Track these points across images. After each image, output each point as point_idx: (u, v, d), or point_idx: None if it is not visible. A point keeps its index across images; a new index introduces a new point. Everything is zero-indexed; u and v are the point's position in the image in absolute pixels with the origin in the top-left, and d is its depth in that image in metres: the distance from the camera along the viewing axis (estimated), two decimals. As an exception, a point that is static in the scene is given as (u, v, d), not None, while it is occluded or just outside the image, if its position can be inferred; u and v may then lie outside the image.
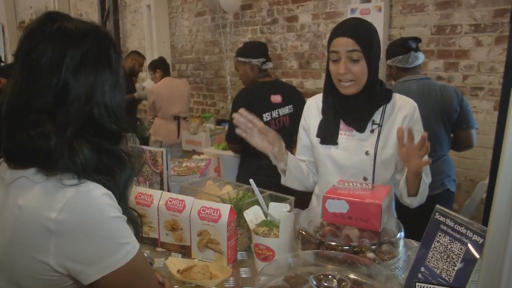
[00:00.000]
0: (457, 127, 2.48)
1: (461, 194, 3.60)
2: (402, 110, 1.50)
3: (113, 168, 0.81)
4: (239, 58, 2.72)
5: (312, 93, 4.47)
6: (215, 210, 1.21)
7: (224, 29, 5.04)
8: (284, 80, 4.60)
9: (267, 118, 2.52)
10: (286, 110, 2.60)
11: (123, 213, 0.84)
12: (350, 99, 1.49)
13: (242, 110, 1.44)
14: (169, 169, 1.61)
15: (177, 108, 4.31)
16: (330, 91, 1.54)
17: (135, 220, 0.90)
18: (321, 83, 4.26)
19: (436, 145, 2.42)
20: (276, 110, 2.56)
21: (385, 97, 1.52)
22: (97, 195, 0.75)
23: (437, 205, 1.02)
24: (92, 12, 7.50)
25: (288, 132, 2.66)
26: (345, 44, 1.39)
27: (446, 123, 2.42)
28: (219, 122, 5.00)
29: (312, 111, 1.63)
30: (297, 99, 2.73)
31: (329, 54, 1.45)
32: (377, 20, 3.52)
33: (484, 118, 3.32)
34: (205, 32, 5.40)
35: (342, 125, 1.54)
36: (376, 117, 1.50)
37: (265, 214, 1.23)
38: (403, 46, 2.52)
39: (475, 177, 3.44)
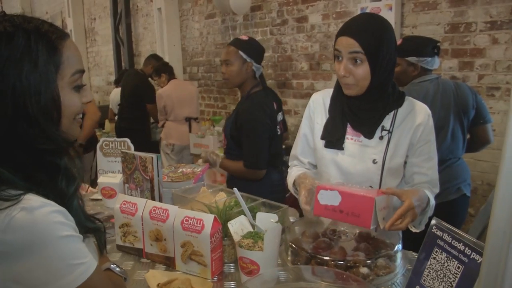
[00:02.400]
0: (475, 123, 2.36)
1: (477, 198, 3.45)
2: (415, 117, 1.39)
3: (55, 181, 0.76)
4: (241, 52, 2.24)
5: (322, 95, 4.40)
6: (198, 220, 1.14)
7: (234, 31, 4.99)
8: (294, 82, 4.52)
9: (277, 127, 2.37)
10: (280, 116, 2.47)
11: (83, 225, 0.78)
12: (359, 101, 1.39)
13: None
14: (160, 176, 1.55)
15: (188, 110, 4.29)
16: (340, 90, 1.44)
17: (97, 229, 0.84)
18: (332, 84, 4.13)
19: (454, 146, 2.31)
20: (277, 117, 2.42)
21: (397, 101, 1.41)
22: (44, 213, 0.69)
23: (435, 218, 0.93)
24: (105, 16, 7.57)
25: (281, 138, 2.57)
26: (347, 44, 1.29)
27: (464, 121, 2.31)
28: (229, 125, 4.95)
29: (318, 108, 1.52)
30: (281, 105, 2.61)
31: (334, 51, 1.37)
32: (388, 19, 3.35)
33: (501, 119, 3.17)
34: (215, 34, 5.36)
35: (349, 129, 1.43)
36: (386, 122, 1.39)
37: (252, 225, 1.16)
38: (435, 48, 2.40)
39: (492, 181, 3.29)
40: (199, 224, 1.13)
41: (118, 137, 4.77)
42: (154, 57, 4.91)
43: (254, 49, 2.31)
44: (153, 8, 5.97)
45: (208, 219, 1.13)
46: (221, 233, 1.17)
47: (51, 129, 0.76)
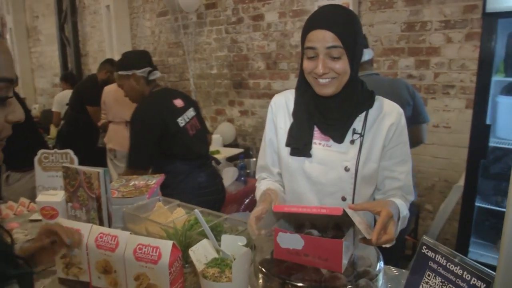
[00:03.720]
0: (413, 121, 2.27)
1: (435, 195, 3.49)
2: (388, 117, 1.28)
3: None
4: (121, 72, 2.31)
5: (280, 95, 4.30)
6: (154, 249, 0.97)
7: (186, 30, 4.79)
8: (251, 81, 4.40)
9: (181, 123, 2.27)
10: (191, 112, 2.38)
11: (2, 273, 0.60)
12: (328, 101, 1.26)
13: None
14: (108, 193, 1.37)
15: (129, 113, 4.00)
16: (304, 90, 1.31)
17: (22, 276, 0.66)
18: (289, 84, 4.07)
19: None
20: (185, 114, 2.32)
21: (368, 101, 1.29)
22: None
23: (424, 237, 0.83)
24: (49, 13, 7.08)
25: (204, 134, 2.51)
26: (323, 38, 1.15)
27: None
28: (184, 128, 4.74)
29: (281, 111, 1.38)
30: (192, 101, 2.54)
31: (303, 50, 1.22)
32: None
33: (456, 116, 3.21)
34: (168, 33, 5.13)
35: (316, 133, 1.30)
36: (357, 125, 1.27)
37: (217, 250, 1.01)
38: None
39: (449, 177, 3.33)
40: (155, 252, 0.97)
41: (58, 142, 4.44)
42: (109, 62, 4.58)
43: (128, 60, 2.35)
44: (101, 6, 5.64)
45: (166, 246, 0.97)
46: (181, 261, 1.02)
47: None
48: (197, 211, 1.01)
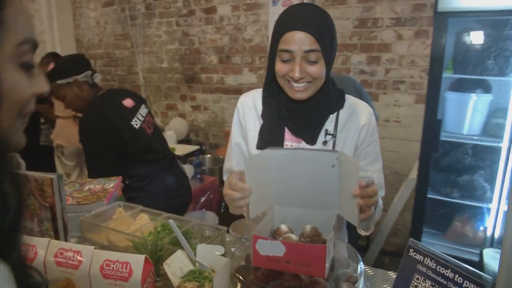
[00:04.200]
0: None
1: (386, 187, 3.60)
2: (359, 118, 1.27)
3: None
4: (59, 82, 2.04)
5: (234, 90, 4.24)
6: (124, 264, 0.89)
7: (134, 21, 4.57)
8: (203, 76, 4.29)
9: (137, 124, 2.11)
10: (144, 109, 2.23)
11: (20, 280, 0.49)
12: (300, 105, 1.22)
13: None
14: (63, 201, 1.24)
15: None
16: (273, 92, 1.27)
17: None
18: (243, 78, 4.03)
19: None
20: (138, 113, 2.17)
21: (338, 100, 1.27)
22: None
23: (411, 239, 0.82)
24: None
25: (160, 130, 2.40)
26: (301, 41, 1.09)
27: None
28: (134, 124, 4.55)
29: (249, 112, 1.33)
30: (141, 97, 2.40)
31: (276, 51, 1.15)
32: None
33: (406, 111, 3.33)
34: (114, 24, 4.86)
35: (287, 134, 1.26)
36: (329, 125, 1.25)
37: (193, 262, 0.94)
38: None
39: (399, 170, 3.45)
40: (125, 269, 0.88)
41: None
42: (53, 56, 4.22)
43: (66, 66, 2.12)
44: (39, -7, 5.23)
45: (137, 261, 0.88)
46: (154, 275, 0.94)
47: None
48: (172, 221, 0.93)
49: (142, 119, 2.16)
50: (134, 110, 2.15)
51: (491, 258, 1.34)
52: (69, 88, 2.06)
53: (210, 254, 0.93)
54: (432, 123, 2.46)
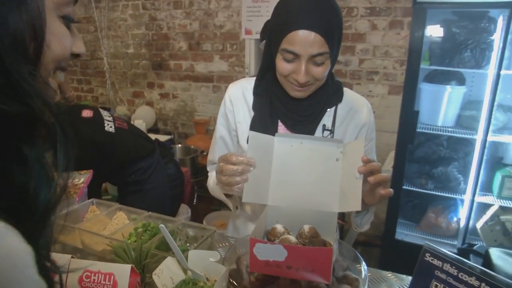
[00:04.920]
0: None
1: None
2: (358, 114, 1.20)
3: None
4: None
5: (204, 78, 4.10)
6: (107, 276, 0.78)
7: (98, 4, 4.30)
8: (172, 63, 4.12)
9: (111, 127, 1.95)
10: (105, 112, 2.06)
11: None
12: (298, 101, 1.14)
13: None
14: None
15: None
16: (267, 85, 1.18)
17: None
18: (214, 66, 3.89)
19: None
20: (104, 117, 1.99)
21: (336, 93, 1.19)
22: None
23: (426, 243, 0.76)
24: None
25: (131, 123, 2.28)
26: (309, 44, 0.97)
27: None
28: (98, 112, 4.32)
29: (239, 104, 1.22)
30: (91, 106, 2.22)
31: (278, 47, 1.03)
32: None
33: (379, 102, 3.33)
34: (76, 7, 4.54)
35: (280, 128, 1.18)
36: (327, 120, 1.17)
37: (184, 270, 0.84)
38: None
39: (371, 160, 3.47)
40: (109, 281, 0.77)
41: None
42: None
43: None
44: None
45: (122, 272, 0.77)
46: (140, 286, 0.83)
47: (21, 70, 0.39)
48: (163, 226, 0.82)
49: (112, 119, 1.99)
50: (98, 117, 1.96)
51: (500, 258, 1.33)
52: None
53: (203, 261, 0.84)
54: (409, 115, 2.45)
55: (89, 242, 1.06)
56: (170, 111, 4.31)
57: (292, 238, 0.98)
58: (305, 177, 1.05)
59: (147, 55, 4.25)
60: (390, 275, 1.09)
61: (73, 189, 1.33)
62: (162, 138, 3.73)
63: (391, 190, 0.95)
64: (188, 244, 1.11)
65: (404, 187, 2.63)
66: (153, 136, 3.69)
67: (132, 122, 3.85)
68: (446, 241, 2.56)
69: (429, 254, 0.75)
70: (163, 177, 2.07)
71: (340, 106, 1.19)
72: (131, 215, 1.17)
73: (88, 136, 1.82)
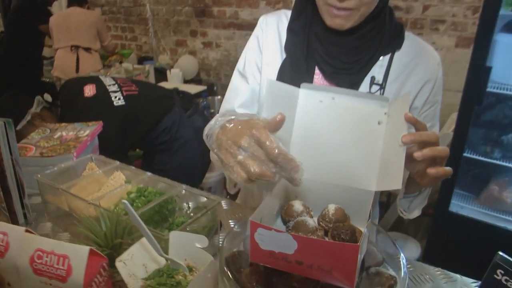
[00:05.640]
0: None
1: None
2: (420, 67, 0.92)
3: None
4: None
5: (249, 26, 3.82)
6: (61, 259, 0.61)
7: None
8: (216, 9, 3.86)
9: (118, 99, 1.76)
10: (107, 79, 1.85)
11: None
12: (340, 37, 0.89)
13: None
14: (14, 153, 0.96)
15: (73, 37, 3.56)
16: (305, 16, 0.92)
17: None
18: (260, 12, 3.59)
19: None
20: (108, 88, 1.78)
21: (395, 39, 0.92)
22: None
23: (500, 253, 0.52)
24: None
25: (142, 81, 2.13)
26: None
27: None
28: (141, 61, 4.22)
29: (270, 38, 0.98)
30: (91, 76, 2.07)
31: None
32: None
33: (444, 56, 2.90)
34: None
35: (317, 77, 0.93)
36: (377, 72, 0.91)
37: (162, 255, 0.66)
38: None
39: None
40: (62, 265, 0.61)
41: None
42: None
43: None
44: None
45: (78, 255, 0.60)
46: (109, 270, 0.66)
47: None
48: (126, 202, 0.63)
49: (118, 88, 1.79)
50: (103, 92, 1.76)
51: None
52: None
53: (187, 246, 0.65)
54: (480, 71, 2.07)
55: (76, 206, 0.92)
56: (213, 61, 4.11)
57: (311, 221, 0.76)
58: (336, 144, 0.81)
59: (190, 1, 4.02)
60: (438, 272, 0.85)
61: (74, 143, 1.19)
62: (197, 89, 3.57)
63: (448, 169, 0.70)
64: (191, 214, 0.93)
65: (465, 154, 2.29)
66: (188, 87, 3.55)
67: (169, 72, 3.70)
68: (509, 218, 2.23)
69: (502, 272, 0.50)
70: (190, 131, 1.91)
71: (398, 54, 0.92)
72: (133, 175, 1.01)
73: (98, 120, 1.53)
